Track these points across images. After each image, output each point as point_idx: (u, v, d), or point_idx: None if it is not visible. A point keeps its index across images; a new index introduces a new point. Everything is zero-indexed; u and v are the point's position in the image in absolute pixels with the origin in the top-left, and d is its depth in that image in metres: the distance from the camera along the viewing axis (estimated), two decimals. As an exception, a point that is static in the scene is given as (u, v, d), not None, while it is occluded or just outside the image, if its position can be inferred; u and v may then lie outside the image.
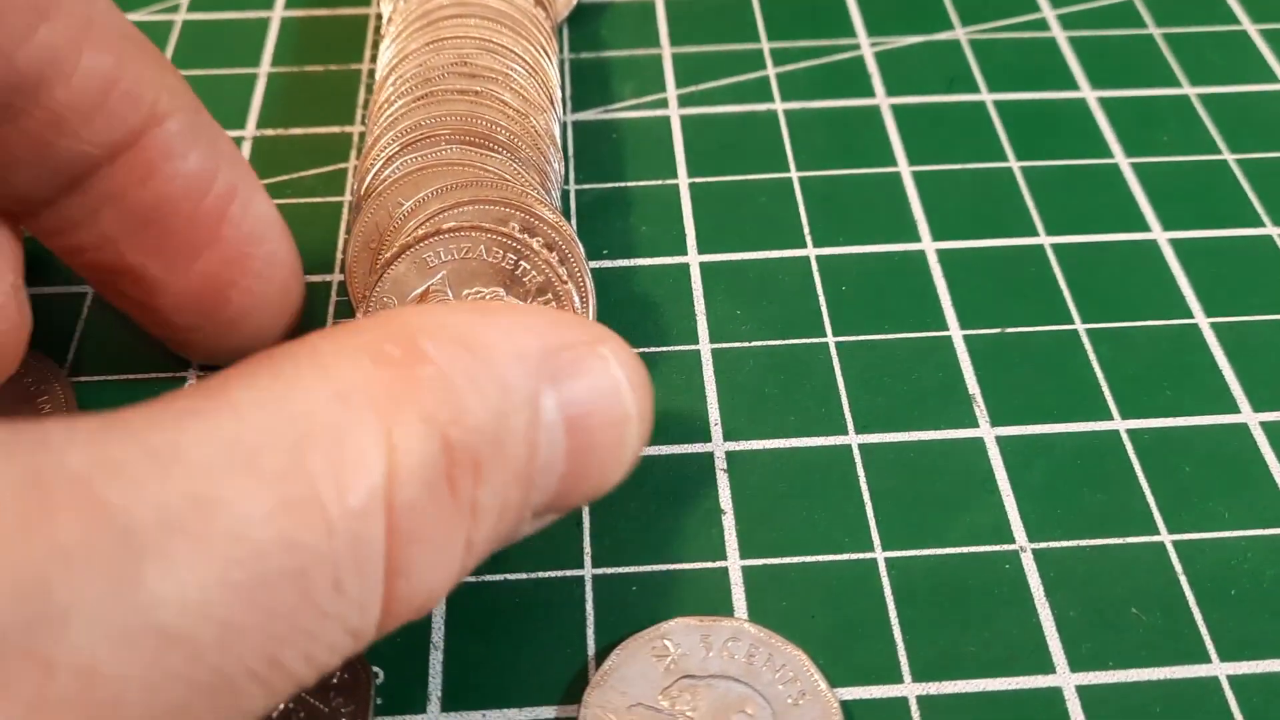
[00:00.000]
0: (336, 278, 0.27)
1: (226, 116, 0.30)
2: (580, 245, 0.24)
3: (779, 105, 0.31)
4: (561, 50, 0.32)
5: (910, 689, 0.20)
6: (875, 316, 0.26)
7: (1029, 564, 0.22)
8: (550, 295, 0.23)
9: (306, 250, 0.25)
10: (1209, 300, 0.26)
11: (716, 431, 0.24)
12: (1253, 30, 0.33)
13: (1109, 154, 0.30)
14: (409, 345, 0.15)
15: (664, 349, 0.25)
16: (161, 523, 0.12)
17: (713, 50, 0.33)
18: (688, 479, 0.23)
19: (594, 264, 0.27)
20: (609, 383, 0.17)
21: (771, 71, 0.32)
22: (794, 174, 0.29)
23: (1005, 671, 0.20)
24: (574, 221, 0.28)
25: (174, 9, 0.34)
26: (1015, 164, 0.29)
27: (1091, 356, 0.25)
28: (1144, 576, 0.22)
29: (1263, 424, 0.24)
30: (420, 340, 0.15)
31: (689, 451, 0.24)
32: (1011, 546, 0.22)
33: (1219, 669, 0.20)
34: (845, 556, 0.22)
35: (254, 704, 0.13)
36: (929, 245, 0.27)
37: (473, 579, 0.22)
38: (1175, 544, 0.22)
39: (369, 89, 0.31)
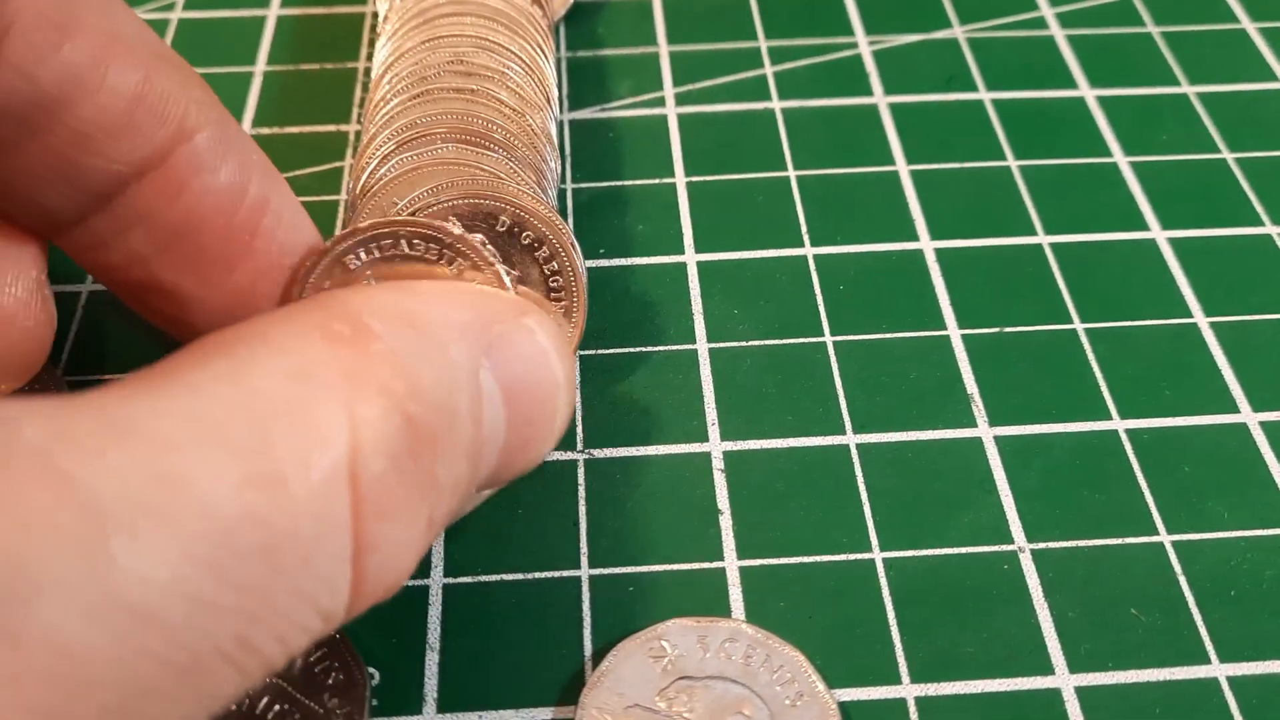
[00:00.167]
0: (332, 277, 0.27)
1: (222, 115, 0.30)
2: (577, 245, 0.23)
3: (777, 104, 0.31)
4: (558, 48, 0.32)
5: (909, 690, 0.20)
6: (873, 316, 0.26)
7: (1028, 564, 0.22)
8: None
9: (302, 249, 0.25)
10: (1208, 300, 0.26)
11: (714, 431, 0.24)
12: (1252, 29, 0.33)
13: (1108, 153, 0.30)
14: (355, 322, 0.15)
15: (661, 348, 0.25)
16: (126, 498, 0.12)
17: (710, 49, 0.32)
18: (685, 479, 0.23)
19: (591, 263, 0.27)
20: (538, 353, 0.17)
21: (769, 70, 0.32)
22: (792, 173, 0.29)
23: (1004, 672, 0.20)
24: (571, 220, 0.28)
25: (170, 7, 0.34)
26: (1014, 163, 0.29)
27: (1090, 356, 0.25)
28: (1143, 577, 0.22)
29: (1262, 424, 0.24)
30: (365, 317, 0.15)
31: (686, 451, 0.24)
32: (1010, 547, 0.22)
33: (1219, 669, 0.20)
34: (843, 557, 0.22)
35: (225, 687, 0.13)
36: (927, 244, 0.27)
37: (468, 579, 0.22)
38: (1175, 544, 0.22)
39: (365, 87, 0.31)
